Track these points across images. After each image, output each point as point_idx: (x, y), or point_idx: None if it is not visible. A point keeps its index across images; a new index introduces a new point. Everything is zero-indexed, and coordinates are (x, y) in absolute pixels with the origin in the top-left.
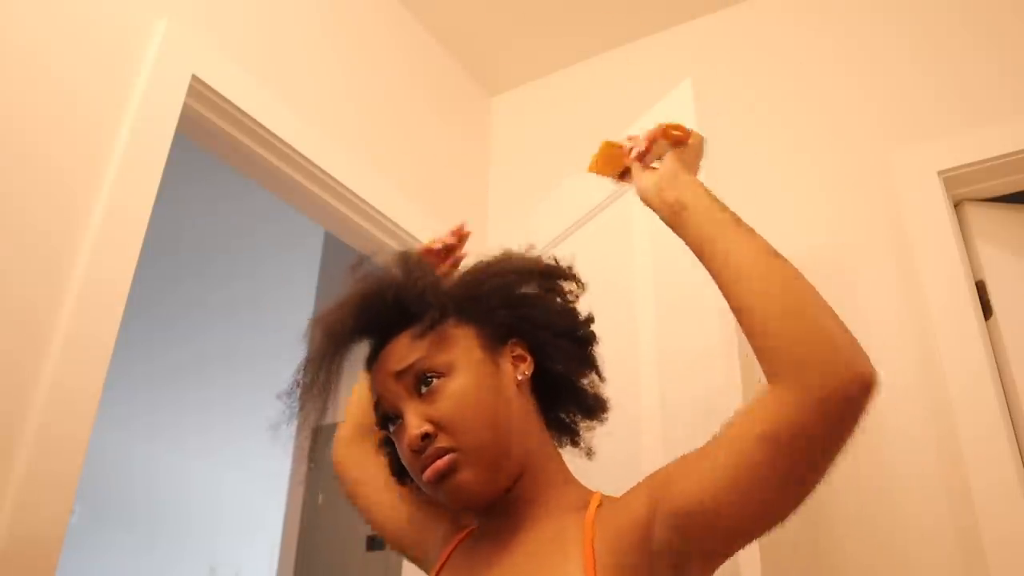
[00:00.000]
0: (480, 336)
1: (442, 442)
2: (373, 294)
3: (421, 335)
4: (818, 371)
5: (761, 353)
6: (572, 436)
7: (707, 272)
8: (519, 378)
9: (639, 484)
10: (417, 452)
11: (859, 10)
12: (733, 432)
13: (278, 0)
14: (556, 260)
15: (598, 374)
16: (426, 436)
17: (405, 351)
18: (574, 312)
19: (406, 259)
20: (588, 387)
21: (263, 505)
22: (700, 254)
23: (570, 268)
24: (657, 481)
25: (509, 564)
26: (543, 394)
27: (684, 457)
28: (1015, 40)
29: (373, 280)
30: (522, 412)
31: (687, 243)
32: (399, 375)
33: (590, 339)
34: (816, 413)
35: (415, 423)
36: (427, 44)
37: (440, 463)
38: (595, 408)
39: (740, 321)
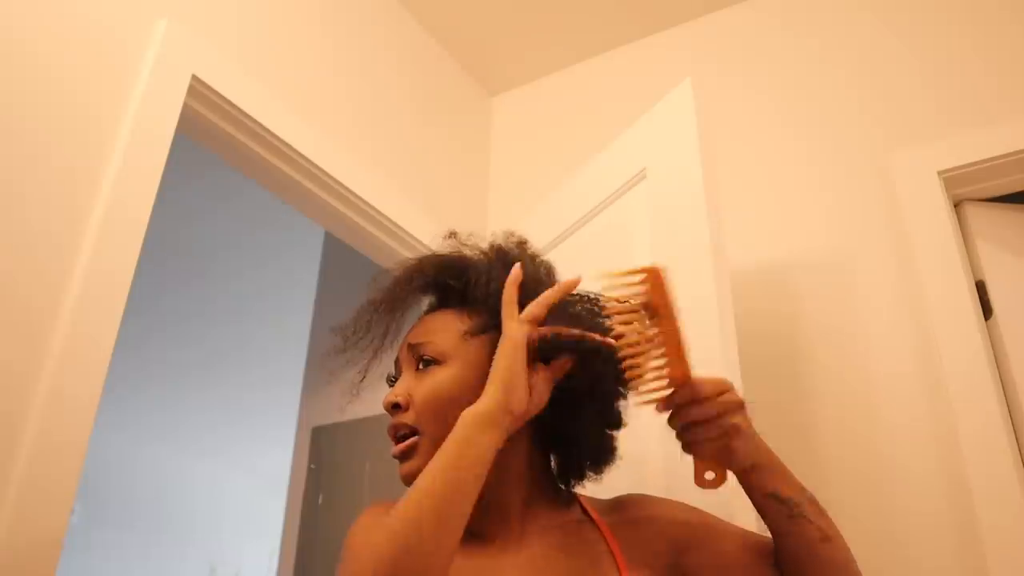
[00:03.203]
0: (495, 344)
1: (407, 419)
2: (451, 263)
3: (459, 326)
4: None
5: None
6: (568, 473)
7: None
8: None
9: (653, 508)
10: (390, 415)
11: (859, 10)
12: None
13: (278, 0)
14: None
15: (609, 426)
16: (396, 406)
17: (428, 328)
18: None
19: (498, 250)
20: (593, 435)
21: (263, 505)
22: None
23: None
24: (678, 530)
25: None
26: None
27: (708, 527)
28: (1014, 40)
29: (458, 253)
30: None
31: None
32: (411, 347)
33: (611, 396)
34: None
35: (396, 390)
36: (427, 44)
37: (403, 444)
38: (597, 458)
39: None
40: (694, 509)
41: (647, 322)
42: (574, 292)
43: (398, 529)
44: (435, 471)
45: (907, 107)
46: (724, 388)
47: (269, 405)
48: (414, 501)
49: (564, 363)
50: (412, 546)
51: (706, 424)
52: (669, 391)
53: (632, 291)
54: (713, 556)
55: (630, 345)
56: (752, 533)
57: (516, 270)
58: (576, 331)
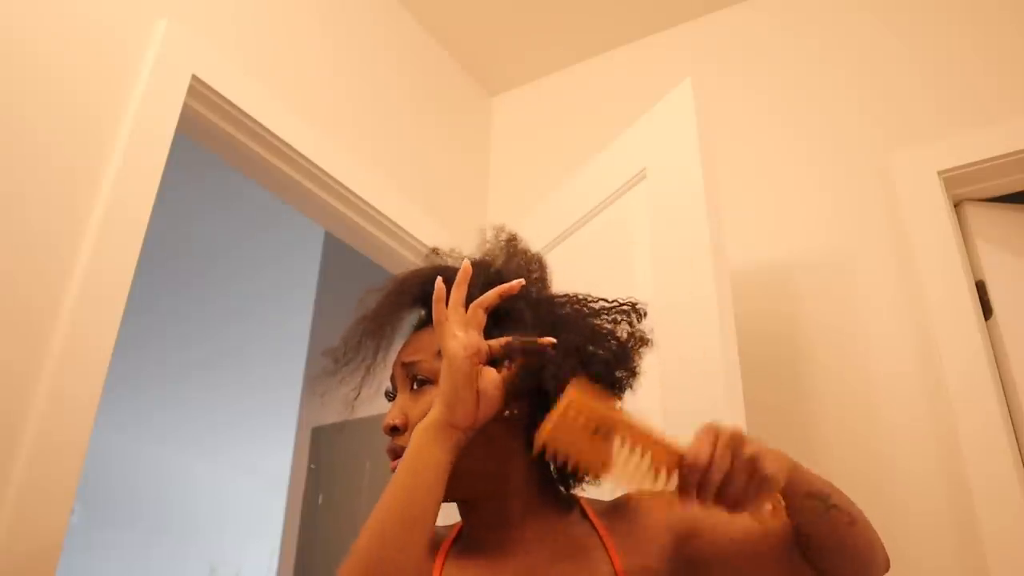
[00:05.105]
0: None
1: (405, 441)
2: (433, 277)
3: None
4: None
5: (836, 573)
6: (566, 477)
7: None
8: (505, 413)
9: (654, 512)
10: (388, 435)
11: (859, 10)
12: (784, 572)
13: (278, 0)
14: (629, 323)
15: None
16: (394, 428)
17: (418, 346)
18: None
19: (478, 263)
20: None
21: (264, 505)
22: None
23: (630, 343)
24: (678, 520)
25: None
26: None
27: (712, 513)
28: (1014, 40)
29: (441, 265)
30: (493, 441)
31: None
32: (404, 366)
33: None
34: None
35: (393, 413)
36: (427, 44)
37: None
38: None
39: (824, 559)
40: None
41: (612, 438)
42: (563, 293)
43: (366, 539)
44: (393, 485)
45: (907, 107)
46: (714, 434)
47: (269, 405)
48: (377, 514)
49: (512, 367)
50: (378, 553)
51: (730, 478)
52: (675, 481)
53: (576, 424)
54: (722, 541)
55: (619, 470)
56: None
57: (439, 285)
58: (514, 339)
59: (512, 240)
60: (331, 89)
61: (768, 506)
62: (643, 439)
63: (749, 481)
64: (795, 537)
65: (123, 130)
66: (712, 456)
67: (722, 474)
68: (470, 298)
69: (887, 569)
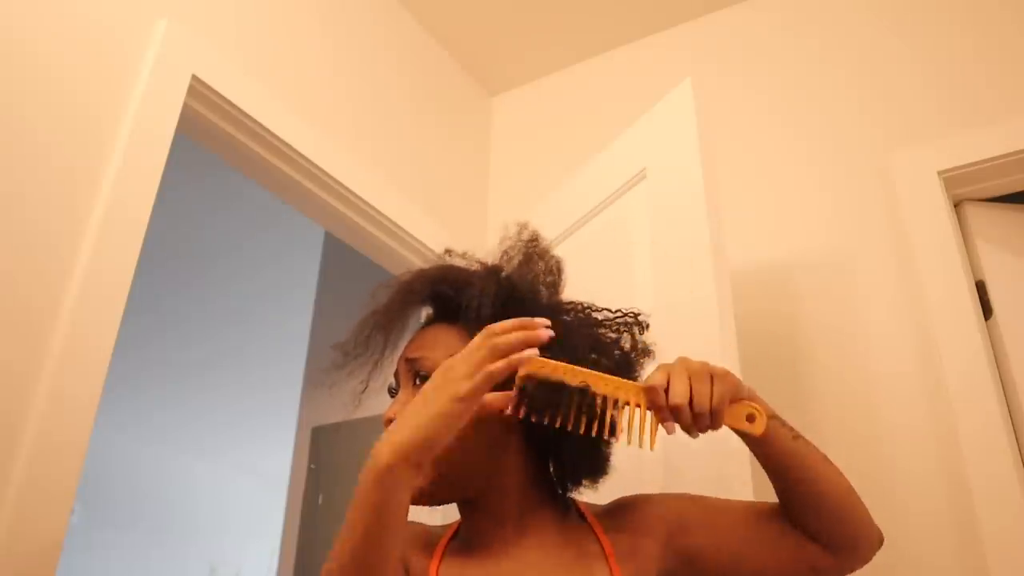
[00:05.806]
0: None
1: None
2: (445, 276)
3: (453, 342)
4: (865, 548)
5: (825, 531)
6: (564, 480)
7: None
8: (504, 412)
9: (646, 504)
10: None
11: (859, 10)
12: (781, 549)
13: (278, 0)
14: (629, 326)
15: (601, 442)
16: (392, 422)
17: (422, 343)
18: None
19: (492, 269)
20: (584, 445)
21: (264, 505)
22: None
23: (633, 354)
24: (672, 517)
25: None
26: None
27: (705, 506)
28: (1014, 40)
29: (453, 265)
30: (492, 440)
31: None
32: (408, 361)
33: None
34: (854, 566)
35: (394, 407)
36: (427, 44)
37: None
38: (590, 467)
39: (807, 508)
40: (692, 495)
41: (589, 389)
42: (569, 301)
43: None
44: (354, 532)
45: (907, 107)
46: (666, 368)
47: (269, 405)
48: (335, 555)
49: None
50: None
51: (694, 392)
52: (648, 413)
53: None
54: (715, 530)
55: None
56: (755, 502)
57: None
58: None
59: (533, 240)
60: (331, 89)
61: (747, 412)
62: (606, 381)
63: (712, 385)
64: (776, 485)
65: (123, 130)
66: (665, 379)
67: (684, 386)
68: (481, 304)
69: (880, 543)
